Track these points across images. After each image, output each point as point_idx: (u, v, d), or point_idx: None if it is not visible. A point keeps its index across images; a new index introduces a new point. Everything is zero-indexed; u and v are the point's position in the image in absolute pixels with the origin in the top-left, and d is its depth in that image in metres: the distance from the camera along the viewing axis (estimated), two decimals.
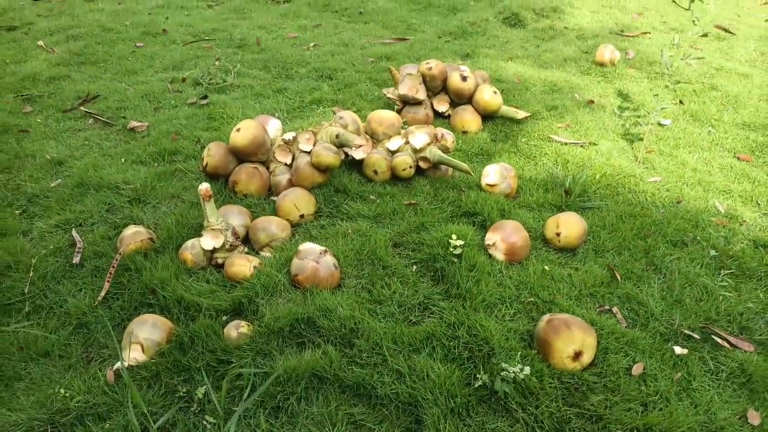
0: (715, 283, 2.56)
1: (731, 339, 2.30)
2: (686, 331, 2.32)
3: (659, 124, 3.83)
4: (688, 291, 2.53)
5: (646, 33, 5.54)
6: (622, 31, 5.66)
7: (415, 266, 2.65)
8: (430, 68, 3.89)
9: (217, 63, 5.04)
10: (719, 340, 2.29)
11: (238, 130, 3.08)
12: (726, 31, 5.51)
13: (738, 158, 3.52)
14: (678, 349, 2.23)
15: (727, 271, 2.64)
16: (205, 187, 2.59)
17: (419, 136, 3.29)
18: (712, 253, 2.71)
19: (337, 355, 2.17)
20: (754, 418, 2.00)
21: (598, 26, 5.87)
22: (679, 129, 3.82)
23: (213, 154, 3.10)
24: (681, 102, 4.16)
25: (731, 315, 2.41)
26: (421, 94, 3.91)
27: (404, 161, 3.23)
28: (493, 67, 4.89)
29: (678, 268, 2.64)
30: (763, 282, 2.60)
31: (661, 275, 2.63)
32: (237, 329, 2.25)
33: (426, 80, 3.94)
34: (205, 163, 3.12)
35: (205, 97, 4.36)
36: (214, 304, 2.39)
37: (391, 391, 2.05)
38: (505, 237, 2.69)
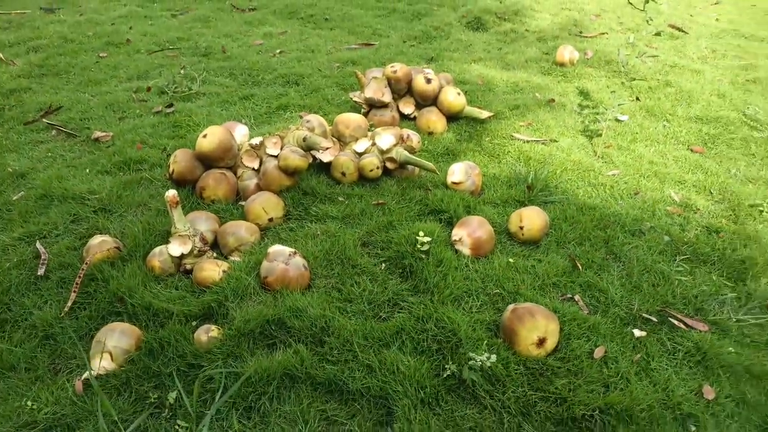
0: (671, 269, 2.67)
1: (687, 320, 2.40)
2: (645, 315, 2.41)
3: (617, 120, 3.96)
4: (645, 277, 2.63)
5: (603, 33, 5.72)
6: (581, 32, 5.83)
7: (384, 264, 2.69)
8: (395, 71, 3.95)
9: (182, 71, 5.03)
10: (676, 322, 2.38)
11: (204, 135, 3.09)
12: (679, 30, 5.72)
13: (692, 150, 3.66)
14: (637, 332, 2.32)
15: (682, 257, 2.75)
16: (171, 193, 2.60)
17: (385, 138, 3.35)
18: (666, 239, 2.82)
19: (309, 353, 2.20)
20: (709, 392, 2.10)
21: (558, 28, 6.03)
22: (636, 124, 3.96)
23: (179, 160, 3.10)
24: (637, 98, 4.30)
25: (687, 298, 2.51)
26: (387, 97, 3.97)
27: (371, 162, 3.28)
28: (458, 69, 4.99)
29: (636, 256, 2.74)
30: (717, 266, 2.72)
31: (620, 263, 2.72)
32: (207, 333, 2.26)
33: (391, 83, 4.00)
34: (171, 170, 3.12)
35: (171, 105, 4.35)
36: (183, 309, 2.40)
37: (362, 386, 2.09)
38: (470, 232, 2.75)
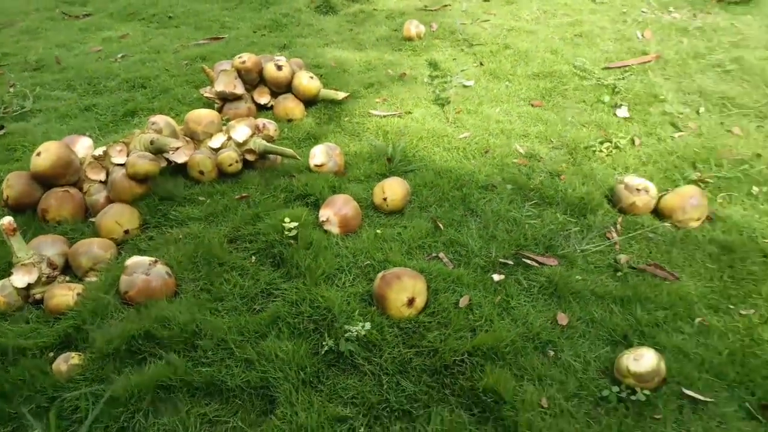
0: (521, 215, 2.88)
1: (539, 258, 2.61)
2: (502, 260, 2.59)
3: (464, 86, 4.18)
4: (500, 226, 2.82)
5: (446, 6, 5.97)
6: (426, 7, 6.04)
7: (254, 257, 2.66)
8: (244, 62, 3.87)
9: (11, 89, 4.58)
10: (529, 262, 2.59)
11: (38, 154, 2.85)
12: None
13: (532, 105, 3.96)
14: (496, 277, 2.49)
15: (530, 203, 2.98)
16: (7, 221, 2.39)
17: (240, 130, 3.29)
18: (509, 188, 3.05)
19: (181, 360, 2.13)
20: (563, 319, 2.31)
21: (405, 5, 6.21)
22: (482, 87, 4.20)
23: (12, 185, 2.84)
24: (481, 63, 4.56)
25: (537, 238, 2.73)
26: (239, 89, 3.88)
27: (229, 157, 3.21)
28: (311, 54, 4.99)
29: (490, 209, 2.93)
30: (561, 206, 2.97)
31: (477, 217, 2.89)
32: (67, 362, 2.12)
33: (242, 74, 3.92)
34: (5, 196, 2.85)
35: (1, 127, 3.96)
36: (37, 342, 2.22)
37: (242, 381, 2.06)
38: (336, 211, 2.79)
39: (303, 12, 6.25)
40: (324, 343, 2.15)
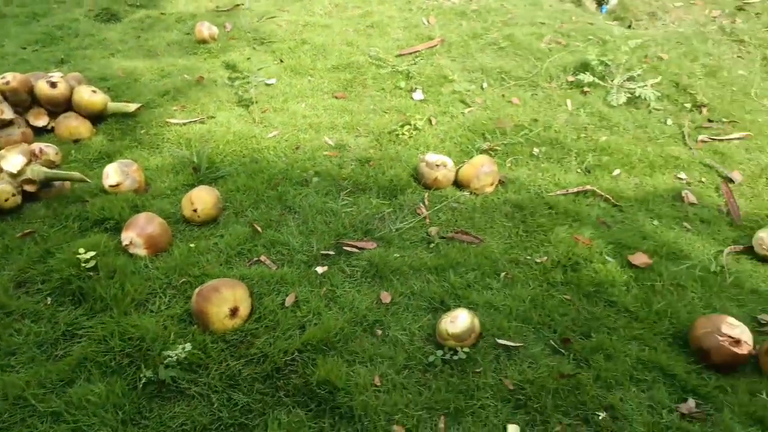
0: (338, 205, 2.93)
1: (358, 244, 2.67)
2: (324, 252, 2.61)
3: (266, 85, 4.12)
4: (319, 218, 2.83)
5: (238, 5, 5.82)
6: (218, 8, 5.83)
7: (49, 298, 2.36)
8: (8, 82, 3.40)
9: None
10: (350, 249, 2.64)
11: None
12: None
13: (336, 97, 4.03)
14: (320, 269, 2.50)
15: (345, 191, 3.04)
16: None
17: (13, 159, 2.88)
18: (315, 180, 3.08)
19: None
20: (386, 297, 2.39)
21: (195, 7, 5.93)
22: (285, 84, 4.17)
23: None
24: (281, 60, 4.53)
25: (355, 225, 2.80)
26: (8, 113, 3.39)
27: (3, 191, 2.80)
28: (95, 67, 4.54)
29: (308, 203, 2.93)
30: (374, 190, 3.07)
31: (295, 214, 2.88)
32: None
33: (8, 96, 3.43)
34: None
35: None
36: None
37: None
38: (140, 231, 2.58)
39: (81, 22, 5.66)
40: (141, 375, 1.98)
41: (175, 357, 2.00)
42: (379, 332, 2.24)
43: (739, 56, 4.56)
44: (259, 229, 2.75)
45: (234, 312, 2.19)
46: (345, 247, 2.65)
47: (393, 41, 4.72)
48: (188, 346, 2.03)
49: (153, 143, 3.48)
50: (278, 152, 3.39)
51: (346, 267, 2.54)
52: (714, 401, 2.03)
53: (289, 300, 2.32)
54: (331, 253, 2.62)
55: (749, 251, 2.77)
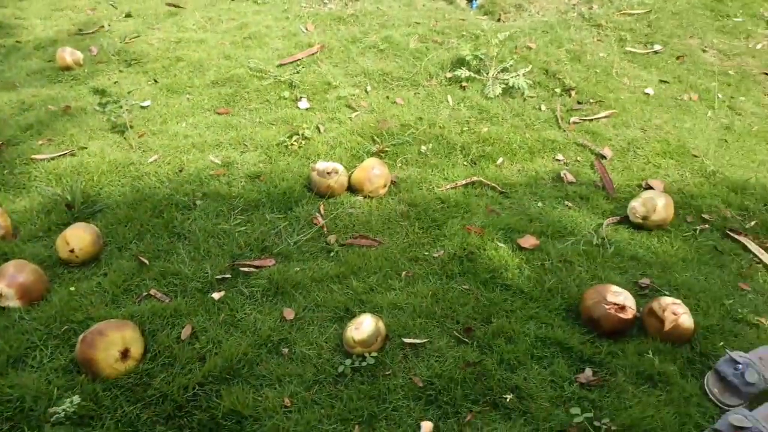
0: (230, 225, 2.83)
1: (255, 263, 2.59)
2: (219, 276, 2.51)
3: (141, 107, 3.90)
4: (212, 242, 2.72)
5: (102, 27, 5.48)
6: (81, 31, 5.46)
7: None
8: None
9: None
10: (247, 269, 2.56)
11: None
12: (176, 6, 5.91)
13: (218, 113, 3.90)
14: (216, 295, 2.40)
15: (236, 210, 2.94)
16: None
17: None
18: (199, 203, 2.97)
19: None
20: (289, 314, 2.34)
21: (55, 32, 5.50)
22: (161, 105, 3.97)
23: None
24: (156, 80, 4.31)
25: (250, 244, 2.71)
26: None
27: None
28: None
29: (198, 227, 2.80)
30: (267, 206, 2.99)
31: (185, 240, 2.74)
32: None
33: None
34: None
35: None
36: None
37: None
38: (10, 281, 2.35)
39: None
40: None
41: (63, 413, 1.83)
42: (285, 351, 2.19)
43: (598, 40, 4.93)
44: (146, 261, 2.59)
45: (125, 354, 2.05)
46: (242, 268, 2.56)
47: (273, 51, 4.64)
48: (76, 399, 1.88)
49: (18, 183, 3.18)
50: (161, 177, 3.22)
51: (245, 288, 2.46)
52: (608, 367, 2.16)
53: (186, 332, 2.21)
54: (228, 276, 2.52)
55: (625, 221, 2.99)
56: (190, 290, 2.44)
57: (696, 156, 3.55)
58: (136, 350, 2.09)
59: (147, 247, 2.69)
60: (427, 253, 2.72)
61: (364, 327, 2.13)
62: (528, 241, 2.75)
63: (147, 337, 2.18)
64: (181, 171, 3.28)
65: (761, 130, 3.89)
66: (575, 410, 1.96)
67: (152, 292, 2.44)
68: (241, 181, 3.18)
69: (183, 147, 3.51)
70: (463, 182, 3.21)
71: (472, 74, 4.10)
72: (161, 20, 5.41)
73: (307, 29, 5.06)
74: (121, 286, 2.46)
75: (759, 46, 4.89)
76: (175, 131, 3.68)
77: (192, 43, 4.88)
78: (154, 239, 2.74)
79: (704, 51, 4.80)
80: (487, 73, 4.12)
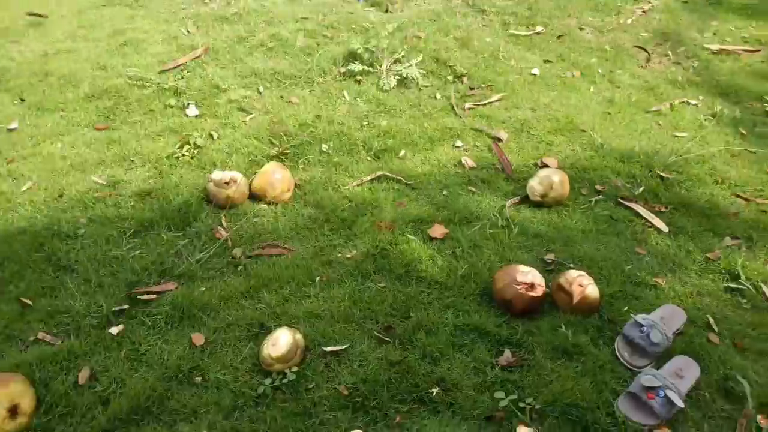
0: (123, 250, 2.61)
1: (155, 289, 2.41)
2: (116, 309, 2.31)
3: (8, 131, 3.52)
4: (103, 271, 2.50)
5: None
6: None
7: None
8: None
9: None
10: (146, 297, 2.37)
11: None
12: (38, 15, 5.39)
13: (98, 129, 3.59)
14: (114, 330, 2.21)
15: (128, 233, 2.72)
16: None
17: None
18: (82, 231, 2.74)
19: None
20: (199, 339, 2.19)
21: None
22: (31, 126, 3.60)
23: None
24: (22, 99, 3.90)
25: (147, 268, 2.52)
26: None
27: None
28: None
29: (86, 257, 2.56)
30: (161, 224, 2.78)
31: (73, 273, 2.50)
32: None
33: None
34: None
35: None
36: None
37: None
38: None
39: None
40: None
41: None
42: (198, 379, 2.05)
43: (484, 25, 5.06)
44: (29, 301, 2.33)
45: (13, 411, 1.83)
46: (140, 296, 2.37)
47: (153, 57, 4.35)
48: None
49: None
50: (38, 206, 2.92)
51: (146, 318, 2.28)
52: (526, 346, 2.21)
53: (83, 375, 2.01)
54: (125, 307, 2.32)
55: (525, 200, 3.08)
56: (84, 328, 2.22)
57: (584, 131, 3.73)
58: (26, 405, 1.86)
59: (29, 286, 2.42)
60: (339, 255, 2.65)
61: (280, 342, 2.04)
62: (437, 230, 2.76)
63: (39, 387, 1.95)
64: (60, 196, 2.99)
65: (639, 99, 4.16)
66: (500, 394, 1.99)
67: (40, 335, 2.20)
68: (131, 201, 2.95)
69: (61, 169, 3.20)
70: (369, 178, 3.17)
71: (366, 67, 4.06)
72: (22, 32, 4.91)
73: (188, 31, 4.79)
74: (2, 333, 2.19)
75: (629, 21, 5.23)
76: (49, 153, 3.35)
77: (62, 54, 4.47)
78: (37, 276, 2.47)
79: (581, 29, 5.06)
80: (381, 66, 4.10)
